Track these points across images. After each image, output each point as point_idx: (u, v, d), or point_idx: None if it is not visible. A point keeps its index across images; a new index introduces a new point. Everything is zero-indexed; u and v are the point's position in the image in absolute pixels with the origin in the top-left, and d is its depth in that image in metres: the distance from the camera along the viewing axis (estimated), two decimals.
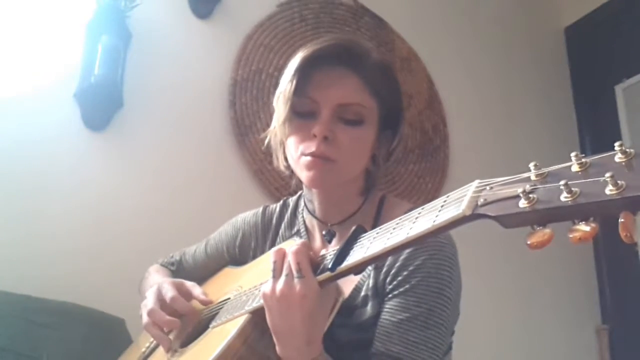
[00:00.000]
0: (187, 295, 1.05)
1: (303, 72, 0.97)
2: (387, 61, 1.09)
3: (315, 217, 1.08)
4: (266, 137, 1.09)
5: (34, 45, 1.77)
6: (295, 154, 0.99)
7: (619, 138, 2.46)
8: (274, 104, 1.04)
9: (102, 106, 1.82)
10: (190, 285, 1.07)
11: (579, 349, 2.53)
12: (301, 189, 1.14)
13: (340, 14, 2.34)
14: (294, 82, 0.97)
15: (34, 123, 1.72)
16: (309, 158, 0.97)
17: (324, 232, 1.05)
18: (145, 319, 1.02)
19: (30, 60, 1.76)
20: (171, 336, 1.03)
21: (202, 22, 2.08)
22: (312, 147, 0.96)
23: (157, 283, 1.07)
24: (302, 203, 1.15)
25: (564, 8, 2.97)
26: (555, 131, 2.75)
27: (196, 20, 2.07)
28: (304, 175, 0.98)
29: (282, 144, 1.06)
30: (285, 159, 1.06)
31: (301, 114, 0.99)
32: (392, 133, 1.06)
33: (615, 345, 2.52)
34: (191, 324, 1.05)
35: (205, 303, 1.04)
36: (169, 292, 1.02)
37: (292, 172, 1.08)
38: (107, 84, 1.78)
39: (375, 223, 1.01)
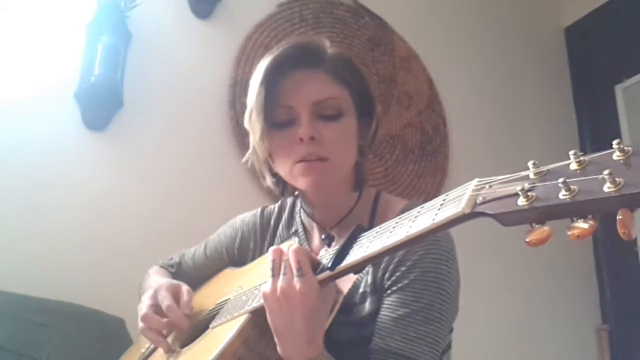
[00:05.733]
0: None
1: (269, 83, 0.97)
2: (343, 51, 1.09)
3: (314, 220, 1.09)
4: (248, 160, 1.09)
5: (34, 46, 1.78)
6: (286, 165, 0.99)
7: (618, 138, 2.46)
8: (246, 125, 1.04)
9: (102, 106, 1.82)
10: (184, 291, 1.05)
11: (579, 349, 2.53)
12: (295, 191, 1.13)
13: (340, 14, 2.34)
14: (263, 93, 0.96)
15: (34, 123, 1.73)
16: (302, 164, 0.96)
17: (322, 237, 1.05)
18: (140, 323, 1.02)
19: (31, 61, 1.76)
20: (170, 337, 1.03)
21: (202, 22, 2.08)
22: (301, 151, 0.96)
23: (154, 287, 1.06)
24: (299, 203, 1.15)
25: (564, 8, 2.97)
26: (555, 131, 2.75)
27: (196, 20, 2.07)
28: (301, 181, 0.98)
29: (266, 162, 1.05)
30: (273, 175, 1.07)
31: (280, 125, 0.98)
32: (369, 119, 1.06)
33: (615, 345, 2.51)
34: (191, 324, 1.04)
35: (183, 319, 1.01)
36: (166, 301, 1.01)
37: (282, 187, 1.08)
38: (107, 84, 1.78)
39: (372, 221, 1.01)
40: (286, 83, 0.99)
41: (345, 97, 1.01)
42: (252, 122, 0.99)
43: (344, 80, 1.01)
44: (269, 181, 1.08)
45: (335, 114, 0.99)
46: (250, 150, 1.07)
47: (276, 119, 0.98)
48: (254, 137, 1.00)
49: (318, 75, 1.00)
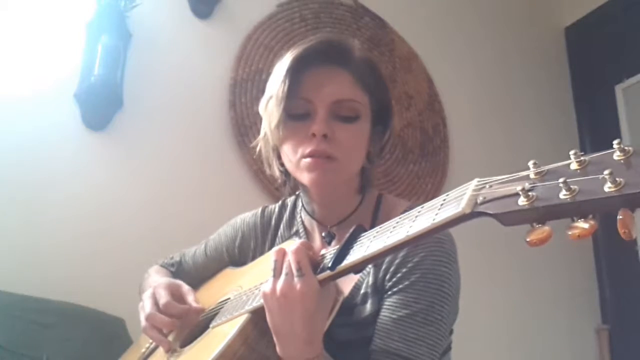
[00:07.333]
0: (181, 299, 1.05)
1: (293, 74, 0.97)
2: (372, 56, 1.10)
3: (315, 219, 1.08)
4: (257, 145, 1.09)
5: (34, 45, 1.78)
6: (294, 157, 0.99)
7: (618, 138, 2.46)
8: (261, 111, 1.04)
9: (102, 106, 1.82)
10: (186, 290, 1.06)
11: (579, 349, 2.53)
12: (297, 189, 1.13)
13: (340, 14, 2.34)
14: (286, 83, 0.96)
15: (34, 123, 1.73)
16: (309, 159, 0.96)
17: (323, 235, 1.05)
18: (143, 322, 1.02)
19: (31, 60, 1.77)
20: (171, 336, 1.03)
21: (202, 22, 2.08)
22: (312, 146, 0.96)
23: (153, 286, 1.06)
24: (300, 203, 1.14)
25: (564, 8, 2.97)
26: (555, 131, 2.76)
27: (196, 20, 2.07)
28: (305, 177, 0.98)
29: (276, 150, 1.05)
30: (281, 164, 1.06)
31: (296, 117, 0.98)
32: (383, 128, 1.06)
33: (615, 345, 2.52)
34: (191, 324, 1.04)
35: (197, 311, 1.03)
36: (162, 299, 1.01)
37: (286, 178, 1.08)
38: (107, 84, 1.79)
39: (374, 222, 1.01)
40: (309, 76, 0.99)
41: (365, 102, 1.01)
42: (270, 110, 0.99)
43: (366, 85, 1.01)
44: (275, 169, 1.08)
45: (352, 117, 0.99)
46: (260, 136, 1.07)
47: (292, 110, 0.98)
48: (269, 125, 1.00)
49: (342, 75, 1.00)
